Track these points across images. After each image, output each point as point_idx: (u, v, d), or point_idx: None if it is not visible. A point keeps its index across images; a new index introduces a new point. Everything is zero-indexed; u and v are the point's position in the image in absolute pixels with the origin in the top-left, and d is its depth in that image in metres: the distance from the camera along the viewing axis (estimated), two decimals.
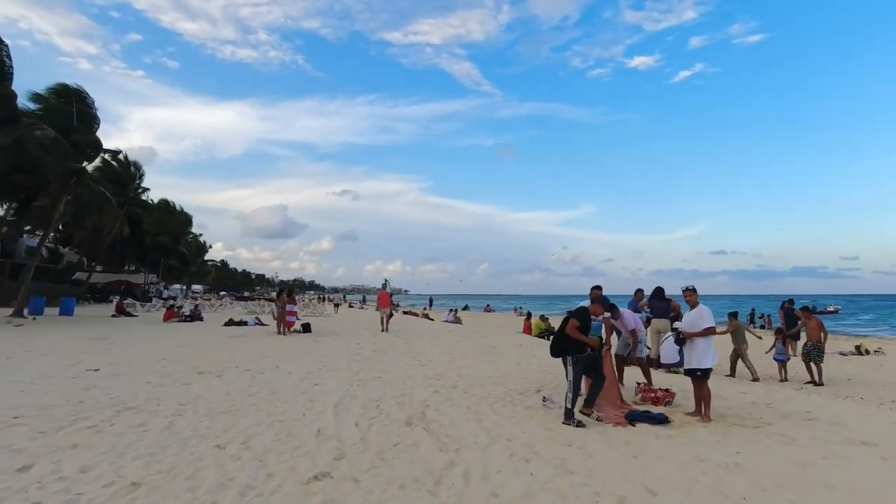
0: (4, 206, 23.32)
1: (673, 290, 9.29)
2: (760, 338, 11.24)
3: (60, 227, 30.77)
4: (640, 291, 9.84)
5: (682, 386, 6.87)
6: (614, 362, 6.62)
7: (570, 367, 5.21)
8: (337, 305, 41.00)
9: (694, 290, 5.72)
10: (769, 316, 28.14)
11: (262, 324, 18.34)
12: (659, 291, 9.26)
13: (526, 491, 3.41)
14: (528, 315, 23.51)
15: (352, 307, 47.07)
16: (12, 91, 18.09)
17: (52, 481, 3.40)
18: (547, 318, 21.14)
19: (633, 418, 5.14)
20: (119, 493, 3.24)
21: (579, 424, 5.00)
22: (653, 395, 6.14)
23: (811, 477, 3.75)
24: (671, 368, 8.18)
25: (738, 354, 10.08)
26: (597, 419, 5.21)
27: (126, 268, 45.48)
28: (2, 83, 17.63)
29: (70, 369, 7.95)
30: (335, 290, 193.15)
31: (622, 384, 6.88)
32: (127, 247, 37.83)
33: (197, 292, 62.32)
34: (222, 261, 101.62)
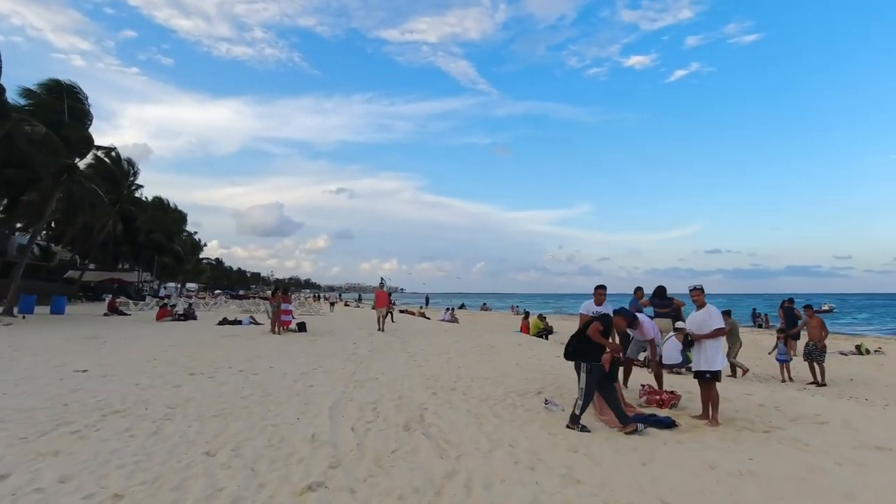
0: None
1: (671, 289, 9.17)
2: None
3: (53, 224, 30.41)
4: (639, 289, 9.69)
5: (686, 387, 6.71)
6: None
7: (583, 374, 4.94)
8: (333, 304, 40.78)
9: (702, 289, 5.53)
10: (766, 315, 28.12)
11: (256, 323, 18.09)
12: (661, 290, 9.11)
13: (532, 502, 3.24)
14: (526, 314, 23.34)
15: (348, 306, 46.77)
16: (0, 85, 17.73)
17: (28, 493, 3.19)
18: (545, 318, 21.01)
19: (640, 422, 4.96)
20: None
21: (584, 429, 4.83)
22: (658, 397, 5.98)
23: (827, 484, 3.59)
24: (674, 369, 8.04)
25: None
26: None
27: (120, 266, 45.00)
28: None
29: (57, 370, 7.71)
30: (331, 289, 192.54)
31: (626, 387, 6.72)
32: (120, 245, 37.34)
33: (191, 290, 61.93)
34: (217, 259, 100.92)
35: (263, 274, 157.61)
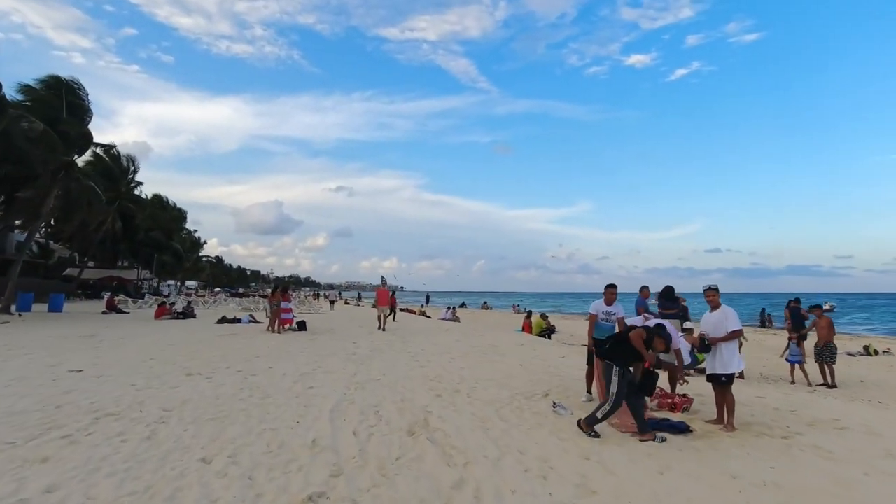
0: None
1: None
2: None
3: (52, 221, 30.20)
4: (645, 288, 9.49)
5: (697, 390, 6.51)
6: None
7: (615, 378, 4.73)
8: (333, 302, 40.63)
9: (716, 289, 5.31)
10: (770, 315, 27.86)
11: (255, 321, 17.91)
12: (668, 290, 8.91)
13: None
14: (529, 313, 23.13)
15: (348, 304, 46.61)
16: None
17: None
18: (547, 317, 20.83)
19: (652, 427, 4.77)
20: None
21: (595, 434, 4.64)
22: (670, 400, 5.79)
23: (858, 498, 3.40)
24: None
25: None
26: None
27: (119, 264, 44.83)
28: None
29: (52, 370, 7.53)
30: (331, 287, 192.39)
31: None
32: (119, 242, 37.15)
33: (191, 288, 61.76)
34: (217, 257, 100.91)
35: (263, 272, 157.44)
